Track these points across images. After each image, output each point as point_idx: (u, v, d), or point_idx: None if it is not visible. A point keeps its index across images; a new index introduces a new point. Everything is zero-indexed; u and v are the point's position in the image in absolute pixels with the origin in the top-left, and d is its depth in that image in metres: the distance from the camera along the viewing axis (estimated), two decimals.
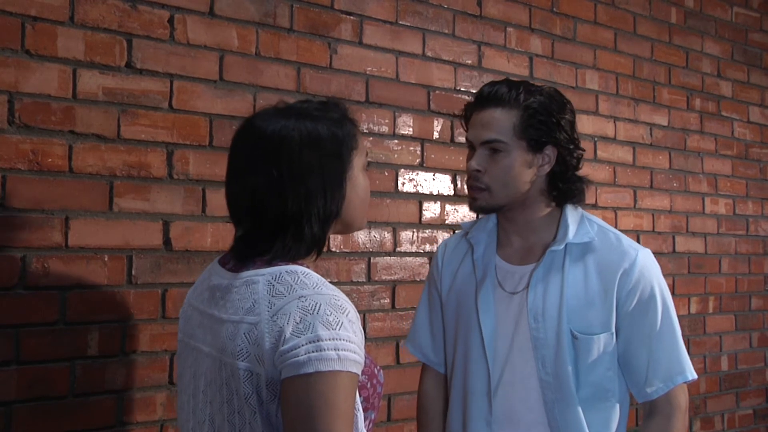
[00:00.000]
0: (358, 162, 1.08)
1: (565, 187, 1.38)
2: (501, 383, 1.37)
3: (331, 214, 1.05)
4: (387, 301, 2.09)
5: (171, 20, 1.75)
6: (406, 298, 2.13)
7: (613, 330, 1.34)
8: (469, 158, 1.37)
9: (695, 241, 2.92)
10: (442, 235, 2.22)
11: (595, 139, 2.62)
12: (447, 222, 2.23)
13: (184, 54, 1.76)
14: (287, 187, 1.00)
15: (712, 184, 3.01)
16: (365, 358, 1.00)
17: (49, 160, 1.58)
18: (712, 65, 3.05)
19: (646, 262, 1.35)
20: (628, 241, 1.38)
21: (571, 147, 1.36)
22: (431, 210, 2.20)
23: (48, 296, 1.57)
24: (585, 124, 2.58)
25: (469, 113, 1.40)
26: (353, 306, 0.99)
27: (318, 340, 0.91)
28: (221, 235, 1.80)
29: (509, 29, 2.40)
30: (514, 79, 1.42)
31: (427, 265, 2.18)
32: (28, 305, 1.54)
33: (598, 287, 1.34)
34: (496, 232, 1.46)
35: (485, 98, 1.35)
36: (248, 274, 1.02)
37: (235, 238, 1.09)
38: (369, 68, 2.08)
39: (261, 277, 1.00)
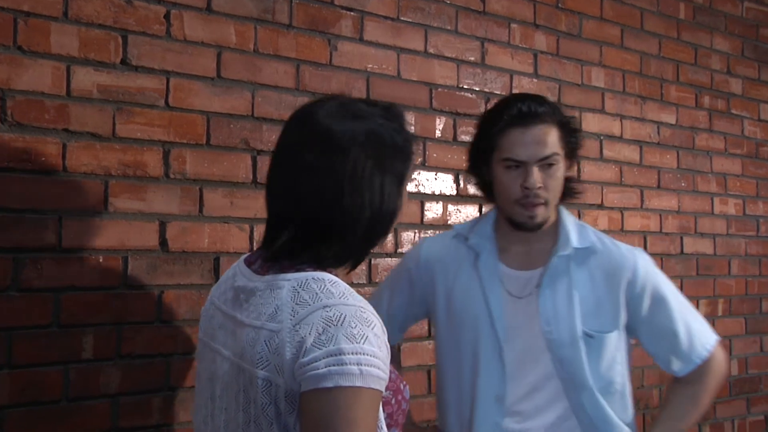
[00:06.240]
0: (409, 175, 1.06)
1: (568, 186, 1.49)
2: (514, 385, 1.43)
3: (380, 228, 1.01)
4: None
5: (167, 16, 1.72)
6: None
7: (621, 328, 1.45)
8: (514, 176, 1.40)
9: (704, 242, 2.87)
10: None
11: (601, 137, 2.57)
12: (449, 222, 2.19)
13: (181, 51, 1.73)
14: (345, 192, 0.96)
15: (722, 183, 2.96)
16: (390, 372, 0.96)
17: (43, 159, 1.55)
18: (721, 62, 2.99)
19: (645, 263, 1.48)
20: (624, 246, 1.50)
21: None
22: (433, 210, 2.16)
23: (41, 298, 1.54)
24: (591, 123, 2.53)
25: (504, 131, 1.40)
26: (380, 319, 0.94)
27: (340, 354, 0.86)
28: (219, 235, 1.76)
29: (513, 25, 2.36)
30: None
31: None
32: (21, 307, 1.51)
33: (604, 289, 1.45)
34: (495, 238, 1.51)
35: (530, 116, 1.39)
36: (273, 277, 0.97)
37: (265, 237, 1.03)
38: (370, 65, 2.05)
39: (286, 282, 0.95)
